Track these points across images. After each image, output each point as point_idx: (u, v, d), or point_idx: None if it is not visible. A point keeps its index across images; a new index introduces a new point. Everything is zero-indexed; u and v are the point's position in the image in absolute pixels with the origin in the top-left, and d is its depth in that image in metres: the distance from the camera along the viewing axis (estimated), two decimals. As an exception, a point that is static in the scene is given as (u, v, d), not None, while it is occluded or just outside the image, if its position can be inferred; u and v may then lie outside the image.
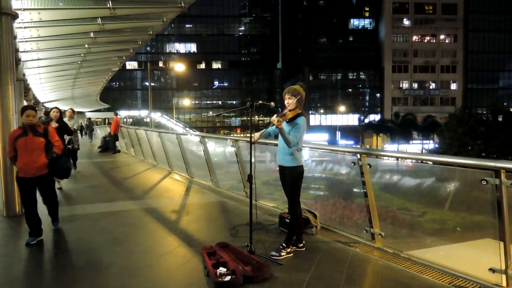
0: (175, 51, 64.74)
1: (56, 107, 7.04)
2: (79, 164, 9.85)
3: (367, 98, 61.86)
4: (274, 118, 3.49)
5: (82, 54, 12.35)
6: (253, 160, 3.75)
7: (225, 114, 64.44)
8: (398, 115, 47.30)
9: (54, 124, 6.34)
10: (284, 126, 3.66)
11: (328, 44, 61.57)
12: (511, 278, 2.83)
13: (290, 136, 3.55)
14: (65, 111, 8.57)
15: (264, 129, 3.97)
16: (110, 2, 7.69)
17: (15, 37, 7.08)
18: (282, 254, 3.61)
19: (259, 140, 4.05)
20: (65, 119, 8.01)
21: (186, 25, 63.34)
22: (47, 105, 25.35)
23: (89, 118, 30.80)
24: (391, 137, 47.03)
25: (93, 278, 3.24)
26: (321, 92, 60.78)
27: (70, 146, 7.96)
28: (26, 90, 14.95)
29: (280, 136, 3.66)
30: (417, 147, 47.37)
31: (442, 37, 59.91)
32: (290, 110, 3.63)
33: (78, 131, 9.08)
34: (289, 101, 3.66)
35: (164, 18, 9.42)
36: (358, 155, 3.93)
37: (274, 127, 3.66)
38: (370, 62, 60.33)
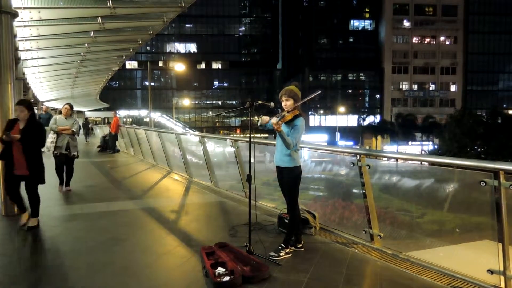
0: (175, 51, 64.76)
1: (26, 103, 4.51)
2: (77, 165, 7.29)
3: (367, 99, 61.82)
4: (274, 120, 3.47)
5: (82, 53, 12.36)
6: (252, 160, 3.75)
7: (225, 114, 64.48)
8: (400, 115, 47.31)
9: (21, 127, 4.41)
10: (283, 127, 3.65)
11: (328, 45, 61.56)
12: (510, 280, 2.83)
13: (289, 138, 3.54)
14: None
15: (280, 116, 3.66)
16: (110, 1, 7.69)
17: (14, 35, 7.07)
18: (281, 254, 3.61)
19: (257, 140, 4.04)
20: (59, 117, 6.54)
21: (186, 25, 63.37)
22: (46, 104, 25.37)
23: (87, 118, 31.38)
24: (391, 138, 47.08)
25: (92, 277, 3.24)
26: (321, 93, 60.70)
27: (67, 152, 6.47)
28: (25, 89, 14.97)
29: (278, 137, 3.66)
30: (416, 148, 47.41)
31: (442, 38, 59.90)
32: (288, 112, 3.61)
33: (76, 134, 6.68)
34: (287, 103, 3.65)
35: (164, 18, 9.43)
36: (358, 156, 3.93)
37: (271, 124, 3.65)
38: (370, 63, 60.28)
